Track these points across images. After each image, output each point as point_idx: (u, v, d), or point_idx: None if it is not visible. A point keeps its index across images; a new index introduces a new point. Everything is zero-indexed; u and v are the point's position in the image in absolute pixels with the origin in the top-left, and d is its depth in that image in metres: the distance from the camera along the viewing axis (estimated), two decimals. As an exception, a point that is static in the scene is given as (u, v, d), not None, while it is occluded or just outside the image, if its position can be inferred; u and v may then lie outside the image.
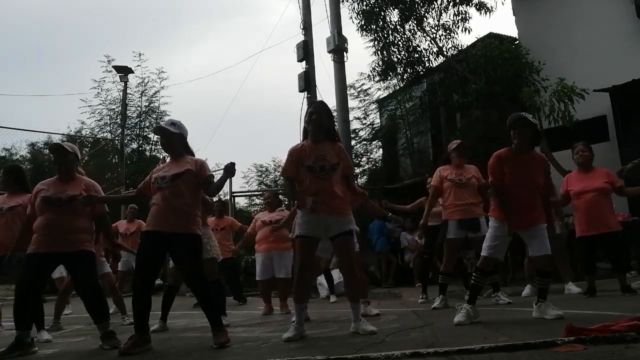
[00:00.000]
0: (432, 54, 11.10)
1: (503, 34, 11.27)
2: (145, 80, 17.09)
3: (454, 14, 10.87)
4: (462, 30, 10.97)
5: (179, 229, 3.56)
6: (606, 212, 5.24)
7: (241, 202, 16.85)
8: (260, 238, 6.29)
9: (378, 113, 15.53)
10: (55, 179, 3.96)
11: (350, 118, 12.68)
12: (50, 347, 4.01)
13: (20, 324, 3.64)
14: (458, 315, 3.78)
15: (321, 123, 3.78)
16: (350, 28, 43.81)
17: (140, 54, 17.08)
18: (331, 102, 10.48)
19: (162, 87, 17.21)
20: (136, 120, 16.96)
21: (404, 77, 11.62)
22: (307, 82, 9.71)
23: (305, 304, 3.79)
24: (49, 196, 3.81)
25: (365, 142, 15.63)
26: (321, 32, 31.29)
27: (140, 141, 17.16)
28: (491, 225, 3.98)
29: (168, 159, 3.99)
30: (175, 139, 3.79)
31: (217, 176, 4.06)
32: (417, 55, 11.08)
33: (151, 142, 16.98)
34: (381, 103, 15.16)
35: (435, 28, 10.95)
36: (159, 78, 17.19)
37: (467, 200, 5.22)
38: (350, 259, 3.75)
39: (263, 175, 17.75)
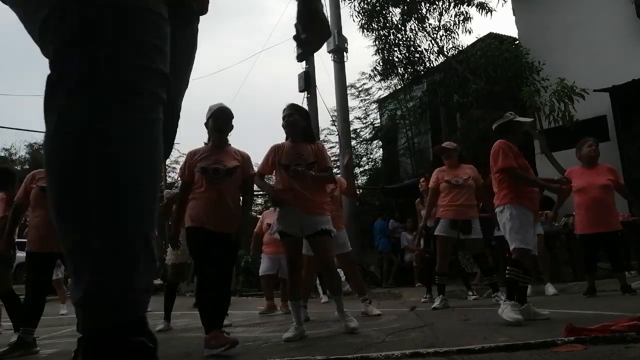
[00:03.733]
0: (432, 54, 11.11)
1: (503, 34, 11.29)
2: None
3: (455, 14, 10.88)
4: (463, 30, 11.00)
5: (230, 229, 3.39)
6: (610, 210, 5.17)
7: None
8: (268, 241, 6.27)
9: (378, 113, 15.54)
10: None
11: (351, 118, 12.72)
12: (50, 347, 4.00)
13: (27, 322, 3.63)
14: (513, 312, 3.45)
15: (295, 122, 3.79)
16: (350, 28, 43.86)
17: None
18: (331, 102, 10.53)
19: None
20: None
21: (405, 77, 11.62)
22: (307, 82, 9.73)
23: (301, 301, 3.81)
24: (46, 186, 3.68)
25: (365, 142, 15.64)
26: (321, 32, 31.19)
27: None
28: (512, 215, 3.55)
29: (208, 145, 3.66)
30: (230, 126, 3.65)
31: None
32: (418, 55, 11.09)
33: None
34: (381, 103, 15.18)
35: (436, 28, 10.96)
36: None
37: (463, 202, 5.18)
38: (327, 258, 3.77)
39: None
